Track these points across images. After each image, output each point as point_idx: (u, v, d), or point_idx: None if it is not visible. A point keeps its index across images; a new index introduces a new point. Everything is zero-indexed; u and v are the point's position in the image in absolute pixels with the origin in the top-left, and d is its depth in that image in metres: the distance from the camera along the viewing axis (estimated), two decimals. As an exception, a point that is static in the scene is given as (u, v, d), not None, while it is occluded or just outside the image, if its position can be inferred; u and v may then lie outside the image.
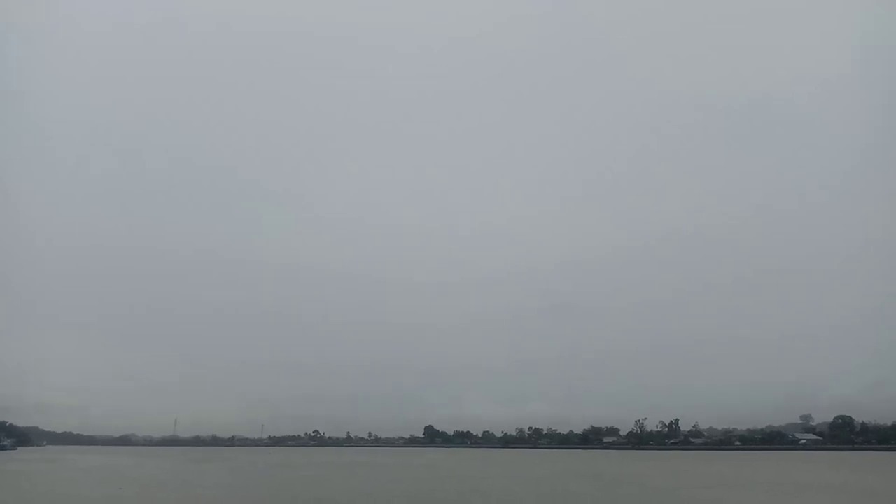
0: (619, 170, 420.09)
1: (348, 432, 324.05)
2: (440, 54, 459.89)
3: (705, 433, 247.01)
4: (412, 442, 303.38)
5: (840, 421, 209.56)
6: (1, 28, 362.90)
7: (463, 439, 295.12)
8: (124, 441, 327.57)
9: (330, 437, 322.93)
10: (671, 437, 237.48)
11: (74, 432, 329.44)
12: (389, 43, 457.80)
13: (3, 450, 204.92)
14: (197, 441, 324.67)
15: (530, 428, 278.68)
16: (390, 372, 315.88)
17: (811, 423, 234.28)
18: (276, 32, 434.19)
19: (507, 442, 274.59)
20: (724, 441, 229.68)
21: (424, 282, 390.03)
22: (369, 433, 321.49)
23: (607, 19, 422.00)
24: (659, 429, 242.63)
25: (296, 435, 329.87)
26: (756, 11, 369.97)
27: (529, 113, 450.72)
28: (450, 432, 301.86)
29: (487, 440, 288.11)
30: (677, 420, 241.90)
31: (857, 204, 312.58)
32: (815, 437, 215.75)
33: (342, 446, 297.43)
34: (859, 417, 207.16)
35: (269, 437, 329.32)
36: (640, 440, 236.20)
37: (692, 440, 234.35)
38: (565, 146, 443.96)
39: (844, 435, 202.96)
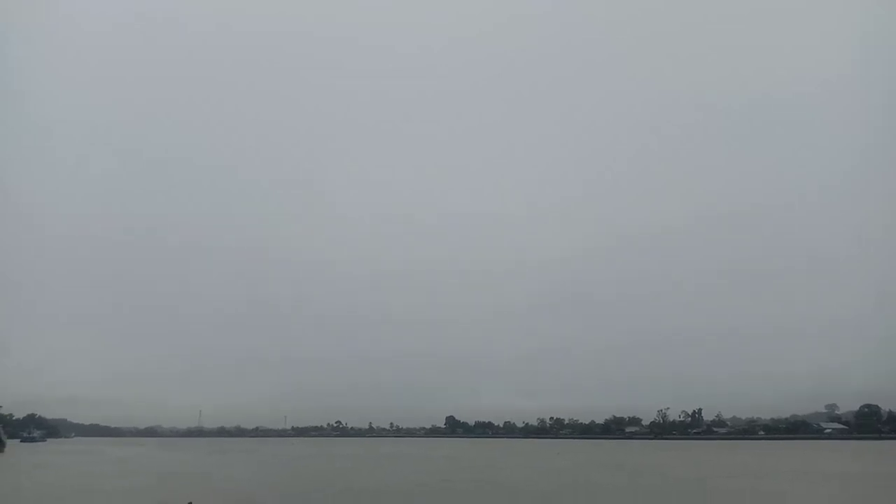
0: (637, 156, 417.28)
1: (370, 422, 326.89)
2: (440, 54, 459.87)
3: (728, 423, 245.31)
4: (433, 432, 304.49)
5: (866, 410, 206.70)
6: (1, 28, 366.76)
7: (484, 429, 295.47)
8: (150, 432, 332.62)
9: (352, 428, 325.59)
10: (694, 427, 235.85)
11: (102, 424, 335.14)
12: (390, 43, 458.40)
13: (32, 441, 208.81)
14: (221, 432, 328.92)
15: (552, 418, 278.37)
16: (412, 363, 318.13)
17: (836, 412, 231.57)
18: (276, 32, 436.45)
19: (529, 432, 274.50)
20: (748, 430, 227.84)
21: (446, 276, 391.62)
22: (391, 423, 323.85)
23: (608, 19, 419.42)
24: (681, 418, 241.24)
25: (318, 425, 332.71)
26: (756, 11, 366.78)
27: (533, 111, 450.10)
28: (471, 423, 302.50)
29: (509, 430, 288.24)
30: (700, 410, 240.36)
31: (872, 190, 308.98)
32: (840, 426, 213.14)
33: (364, 436, 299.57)
34: (886, 406, 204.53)
35: (293, 428, 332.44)
36: (663, 430, 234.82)
37: (715, 430, 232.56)
38: (579, 135, 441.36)
39: (871, 424, 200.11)
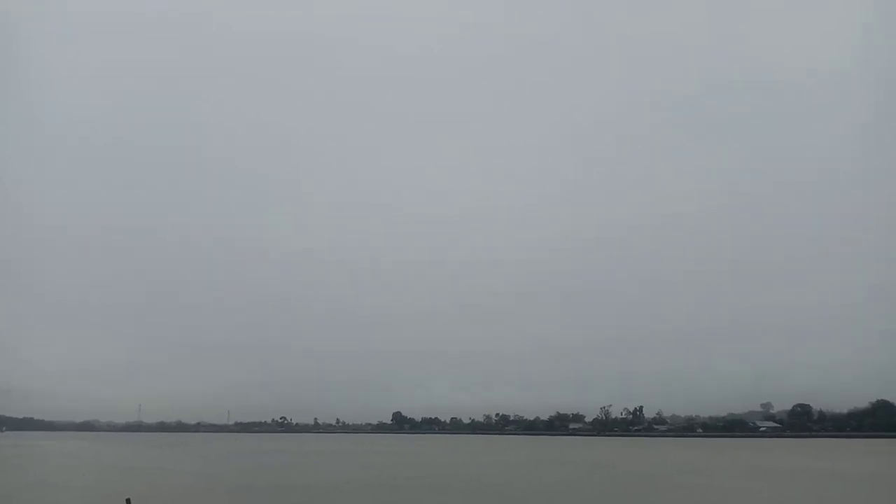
0: (595, 164, 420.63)
1: (315, 418, 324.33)
2: (441, 40, 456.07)
3: (668, 420, 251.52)
4: (380, 428, 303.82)
5: (799, 409, 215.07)
6: (2, 24, 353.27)
7: (431, 426, 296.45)
8: (86, 427, 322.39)
9: (297, 424, 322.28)
10: (635, 424, 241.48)
11: (36, 417, 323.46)
12: (391, 31, 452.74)
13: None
14: (162, 427, 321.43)
15: (497, 414, 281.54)
16: (358, 358, 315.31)
17: (771, 410, 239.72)
18: (277, 23, 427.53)
19: (475, 428, 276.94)
20: (687, 428, 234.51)
21: (392, 269, 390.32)
22: (337, 419, 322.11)
23: (608, 9, 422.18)
24: (623, 415, 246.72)
25: (262, 421, 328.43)
26: (748, 5, 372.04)
27: (517, 108, 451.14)
28: (418, 419, 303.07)
29: (455, 426, 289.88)
30: (641, 407, 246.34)
31: (832, 199, 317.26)
32: (774, 424, 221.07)
33: (309, 432, 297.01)
34: (817, 406, 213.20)
35: (236, 424, 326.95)
36: (605, 427, 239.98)
37: (656, 427, 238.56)
38: (561, 136, 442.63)
39: (802, 423, 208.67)
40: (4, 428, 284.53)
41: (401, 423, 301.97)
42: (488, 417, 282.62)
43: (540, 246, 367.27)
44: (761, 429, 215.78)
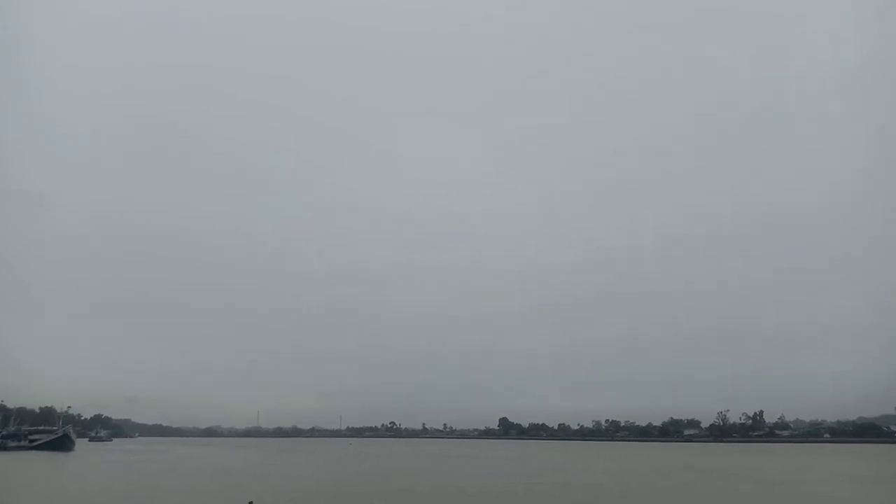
0: (688, 151, 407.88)
1: (423, 423, 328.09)
2: (455, 42, 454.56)
3: (791, 425, 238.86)
4: (487, 434, 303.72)
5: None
6: (5, 19, 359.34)
7: (538, 431, 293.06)
8: (210, 432, 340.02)
9: (406, 429, 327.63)
10: (755, 430, 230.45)
11: (164, 424, 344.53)
12: (406, 29, 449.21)
13: (100, 440, 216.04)
14: (279, 432, 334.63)
15: (607, 420, 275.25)
16: (465, 364, 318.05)
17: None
18: (294, 20, 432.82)
19: (584, 434, 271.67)
20: (812, 433, 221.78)
21: (497, 273, 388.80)
22: (444, 425, 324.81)
23: (619, 18, 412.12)
24: (742, 421, 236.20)
25: (373, 426, 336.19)
26: (761, 11, 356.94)
27: (554, 110, 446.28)
28: (525, 424, 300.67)
29: (563, 432, 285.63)
30: (762, 412, 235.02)
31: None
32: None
33: (418, 437, 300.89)
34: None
35: (348, 428, 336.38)
36: (723, 432, 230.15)
37: (777, 432, 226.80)
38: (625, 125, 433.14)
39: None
40: (137, 434, 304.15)
41: (507, 429, 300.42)
42: (598, 423, 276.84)
43: (642, 241, 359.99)
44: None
